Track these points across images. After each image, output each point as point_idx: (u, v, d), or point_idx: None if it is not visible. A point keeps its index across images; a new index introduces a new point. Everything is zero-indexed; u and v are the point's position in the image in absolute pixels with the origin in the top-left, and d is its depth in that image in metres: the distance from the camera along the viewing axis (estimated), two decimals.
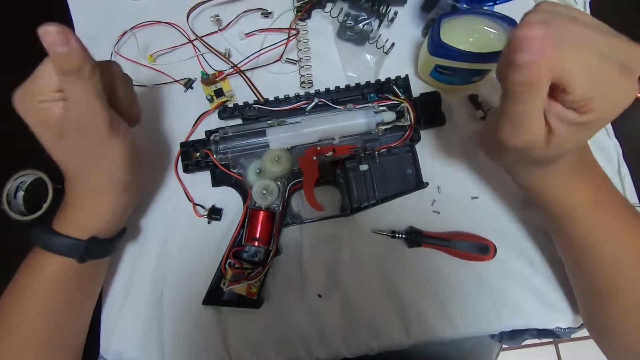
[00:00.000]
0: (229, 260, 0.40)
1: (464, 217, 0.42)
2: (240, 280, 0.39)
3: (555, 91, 0.26)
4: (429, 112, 0.42)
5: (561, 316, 0.40)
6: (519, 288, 0.40)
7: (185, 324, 0.41)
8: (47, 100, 0.31)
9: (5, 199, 0.43)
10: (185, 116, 0.45)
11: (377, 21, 0.45)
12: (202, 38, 0.46)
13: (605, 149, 0.42)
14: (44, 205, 0.43)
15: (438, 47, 0.37)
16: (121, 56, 0.46)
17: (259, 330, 0.41)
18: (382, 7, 0.45)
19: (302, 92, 0.43)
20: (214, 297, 0.40)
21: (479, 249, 0.39)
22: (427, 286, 0.41)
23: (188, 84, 0.46)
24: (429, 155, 0.43)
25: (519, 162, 0.33)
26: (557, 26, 0.25)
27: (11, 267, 0.39)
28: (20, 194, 0.45)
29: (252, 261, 0.40)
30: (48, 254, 0.35)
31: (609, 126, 0.43)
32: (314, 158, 0.41)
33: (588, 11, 0.46)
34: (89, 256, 0.36)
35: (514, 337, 0.44)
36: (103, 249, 0.37)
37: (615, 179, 0.42)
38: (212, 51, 0.46)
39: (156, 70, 0.46)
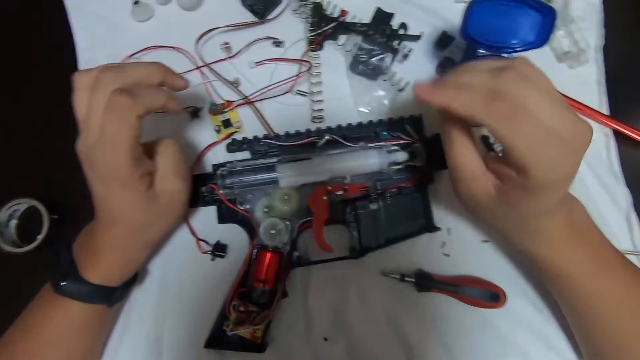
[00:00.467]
0: (233, 303, 0.38)
1: (474, 261, 0.41)
2: (245, 323, 0.38)
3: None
4: (442, 153, 0.41)
5: None
6: (526, 336, 0.40)
7: None
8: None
9: None
10: (191, 146, 0.44)
11: (391, 56, 0.45)
12: (210, 65, 0.45)
13: (615, 196, 0.42)
14: (38, 237, 0.40)
15: None
16: None
17: None
18: (396, 43, 0.45)
19: (312, 127, 0.42)
20: (217, 340, 0.38)
21: (490, 297, 0.39)
22: (435, 332, 0.40)
23: (195, 112, 0.44)
24: (440, 196, 0.42)
25: (491, 221, 0.33)
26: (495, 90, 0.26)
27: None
28: (14, 222, 0.42)
29: (258, 303, 0.39)
30: (77, 302, 0.33)
31: (620, 173, 0.43)
32: (325, 198, 0.40)
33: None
34: (119, 300, 0.36)
35: None
36: (129, 291, 0.38)
37: (623, 225, 0.42)
38: (220, 79, 0.45)
39: None
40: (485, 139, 0.43)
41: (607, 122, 0.44)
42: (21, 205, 0.42)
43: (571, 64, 0.45)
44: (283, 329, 0.40)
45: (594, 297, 0.33)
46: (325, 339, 0.40)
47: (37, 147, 0.46)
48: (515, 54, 0.37)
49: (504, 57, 0.37)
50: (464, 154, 0.30)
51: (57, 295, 0.33)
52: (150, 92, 0.31)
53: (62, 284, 0.32)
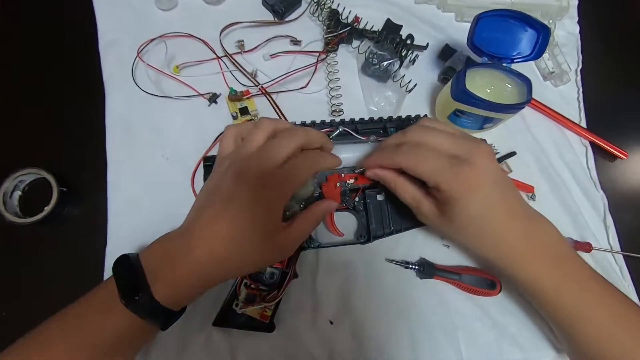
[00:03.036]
0: (245, 281, 0.39)
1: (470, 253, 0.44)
2: (255, 302, 0.39)
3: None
4: None
5: (552, 353, 0.42)
6: (519, 323, 0.42)
7: (192, 343, 0.39)
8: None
9: (1, 198, 0.39)
10: (207, 131, 0.45)
11: (399, 62, 0.48)
12: (232, 55, 0.47)
13: (594, 200, 0.47)
14: (46, 208, 0.40)
15: (462, 94, 0.40)
16: (145, 63, 0.46)
17: (269, 354, 0.39)
18: (404, 51, 0.49)
19: (327, 120, 0.45)
20: (226, 318, 0.39)
21: (488, 284, 0.41)
22: (436, 317, 0.42)
23: (213, 98, 0.46)
24: None
25: (455, 237, 0.39)
26: (407, 145, 0.36)
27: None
28: (17, 193, 0.41)
29: (268, 283, 0.39)
30: (136, 317, 0.30)
31: (597, 180, 0.48)
32: (337, 185, 0.42)
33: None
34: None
35: None
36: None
37: (601, 226, 0.47)
38: (239, 69, 0.47)
39: (181, 81, 0.46)
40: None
41: (586, 135, 0.49)
42: (27, 176, 0.41)
43: (555, 82, 0.51)
44: (290, 310, 0.41)
45: (559, 308, 0.35)
46: (331, 322, 0.41)
47: (49, 122, 0.46)
48: (512, 64, 0.42)
49: (504, 65, 0.41)
50: (405, 191, 0.38)
51: (118, 303, 0.30)
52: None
53: (136, 297, 0.29)
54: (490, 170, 0.34)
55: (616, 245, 0.46)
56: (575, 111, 0.51)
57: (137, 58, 0.46)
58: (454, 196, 0.34)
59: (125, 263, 0.31)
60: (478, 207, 0.34)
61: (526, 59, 0.41)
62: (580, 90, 0.51)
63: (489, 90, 0.43)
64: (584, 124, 0.50)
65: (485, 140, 0.44)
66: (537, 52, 0.41)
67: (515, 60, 0.42)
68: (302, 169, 0.34)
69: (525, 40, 0.41)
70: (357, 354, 0.40)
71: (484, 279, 0.42)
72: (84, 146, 0.45)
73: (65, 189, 0.41)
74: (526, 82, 0.41)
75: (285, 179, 0.32)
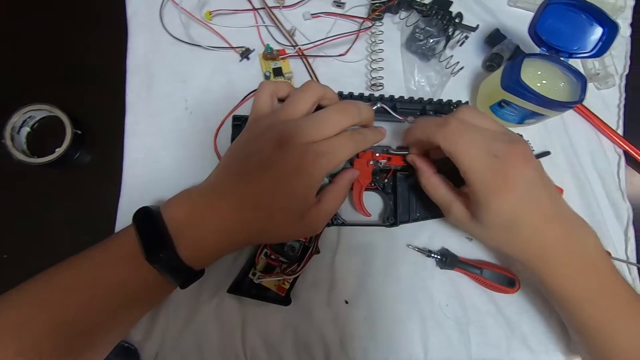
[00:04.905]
0: (265, 250, 0.37)
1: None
2: (274, 273, 0.37)
3: None
4: None
5: (559, 356, 0.43)
6: (532, 323, 0.42)
7: (203, 309, 0.37)
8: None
9: (9, 133, 0.36)
10: (236, 88, 0.42)
11: (444, 41, 0.46)
12: (271, 9, 0.43)
13: (619, 209, 0.47)
14: (57, 150, 0.37)
15: (515, 84, 0.38)
16: (175, 3, 0.42)
17: (280, 328, 0.38)
18: (452, 29, 0.46)
19: (365, 93, 0.42)
20: (241, 286, 0.37)
21: (507, 281, 0.41)
22: (450, 308, 0.41)
23: (245, 53, 0.43)
24: None
25: (485, 240, 0.38)
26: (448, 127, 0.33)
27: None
28: (25, 130, 0.38)
29: (289, 255, 0.38)
30: (157, 273, 0.29)
31: (625, 190, 0.47)
32: (370, 163, 0.40)
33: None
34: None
35: None
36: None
37: (621, 236, 0.46)
38: (277, 25, 0.43)
39: (212, 30, 0.43)
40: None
41: (621, 143, 0.48)
42: (38, 112, 0.38)
43: (599, 85, 0.49)
44: (307, 286, 0.40)
45: (586, 318, 0.35)
46: (347, 302, 0.40)
47: (66, 56, 0.42)
48: (569, 59, 0.40)
49: (562, 59, 0.39)
50: (437, 190, 0.37)
51: (138, 256, 0.28)
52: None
53: (160, 255, 0.28)
54: (526, 171, 0.33)
55: (633, 257, 0.46)
56: (614, 117, 0.49)
57: None
58: (487, 195, 0.33)
59: (148, 216, 0.29)
60: (510, 209, 0.33)
61: (586, 55, 0.39)
62: (623, 96, 0.49)
63: (539, 84, 0.41)
64: (620, 131, 0.49)
65: (522, 135, 0.43)
66: (599, 50, 0.38)
67: (574, 55, 0.39)
68: (348, 149, 0.32)
69: (589, 35, 0.39)
70: (367, 338, 0.40)
71: (504, 275, 0.41)
72: (102, 88, 0.41)
73: (79, 132, 0.38)
74: (581, 80, 0.39)
75: (330, 156, 0.30)
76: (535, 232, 0.34)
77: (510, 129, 0.38)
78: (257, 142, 0.31)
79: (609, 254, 0.44)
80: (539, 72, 0.41)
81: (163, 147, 0.41)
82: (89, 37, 0.43)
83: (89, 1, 0.43)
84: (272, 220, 0.30)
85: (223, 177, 0.31)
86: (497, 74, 0.41)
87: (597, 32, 0.38)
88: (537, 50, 0.40)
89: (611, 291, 0.34)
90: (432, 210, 0.42)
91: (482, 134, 0.33)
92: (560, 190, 0.45)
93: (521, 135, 0.41)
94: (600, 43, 0.38)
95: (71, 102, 0.39)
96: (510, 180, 0.32)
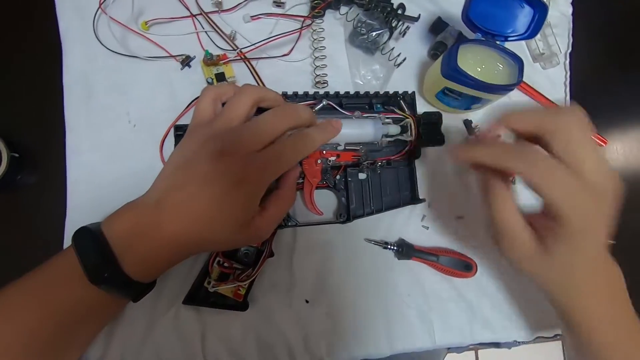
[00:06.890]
0: (217, 259, 0.37)
1: (449, 235, 0.44)
2: (229, 280, 0.37)
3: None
4: (430, 131, 0.43)
5: (520, 333, 0.44)
6: (492, 305, 0.43)
7: (161, 322, 0.37)
8: None
9: None
10: (179, 97, 0.41)
11: (388, 33, 0.46)
12: (207, 14, 0.43)
13: None
14: None
15: (453, 72, 0.38)
16: (108, 15, 0.41)
17: (241, 334, 0.38)
18: (394, 21, 0.46)
19: (310, 91, 0.42)
20: (197, 296, 0.37)
21: (464, 266, 0.42)
22: (411, 298, 0.42)
23: (186, 61, 0.42)
24: (424, 171, 0.44)
25: (534, 276, 0.32)
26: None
27: None
28: None
29: (243, 261, 0.38)
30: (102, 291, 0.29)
31: None
32: (318, 161, 0.40)
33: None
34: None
35: None
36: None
37: None
38: (216, 30, 0.43)
39: (150, 40, 0.42)
40: (468, 122, 0.46)
41: None
42: None
43: (544, 64, 0.50)
44: (265, 289, 0.40)
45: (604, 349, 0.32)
46: (307, 301, 0.40)
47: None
48: (505, 43, 0.40)
49: (498, 43, 0.40)
50: (506, 209, 0.30)
51: (83, 277, 0.28)
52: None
53: (105, 275, 0.28)
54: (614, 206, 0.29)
55: None
56: (561, 95, 0.50)
57: (100, 10, 0.41)
58: (581, 233, 0.28)
59: (88, 236, 0.29)
60: (594, 248, 0.29)
61: (520, 37, 0.40)
62: (568, 74, 0.50)
63: (479, 69, 0.41)
64: None
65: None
66: (532, 31, 0.39)
67: (509, 39, 0.40)
68: (291, 154, 0.32)
69: (521, 17, 0.39)
70: (331, 334, 0.40)
71: (461, 260, 0.42)
72: (39, 108, 0.40)
73: (16, 155, 0.37)
74: (518, 62, 0.40)
75: (270, 166, 0.30)
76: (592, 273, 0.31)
77: (458, 115, 0.38)
78: (198, 154, 0.30)
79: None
80: (478, 57, 0.41)
81: (108, 162, 0.40)
82: (21, 57, 0.42)
83: (19, 18, 0.42)
84: (215, 232, 0.30)
85: (165, 189, 0.30)
86: (439, 62, 0.42)
87: (528, 13, 0.39)
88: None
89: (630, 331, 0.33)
90: (386, 201, 0.42)
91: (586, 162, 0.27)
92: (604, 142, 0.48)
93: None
94: (533, 24, 0.39)
95: (5, 125, 0.38)
96: (604, 217, 0.29)
